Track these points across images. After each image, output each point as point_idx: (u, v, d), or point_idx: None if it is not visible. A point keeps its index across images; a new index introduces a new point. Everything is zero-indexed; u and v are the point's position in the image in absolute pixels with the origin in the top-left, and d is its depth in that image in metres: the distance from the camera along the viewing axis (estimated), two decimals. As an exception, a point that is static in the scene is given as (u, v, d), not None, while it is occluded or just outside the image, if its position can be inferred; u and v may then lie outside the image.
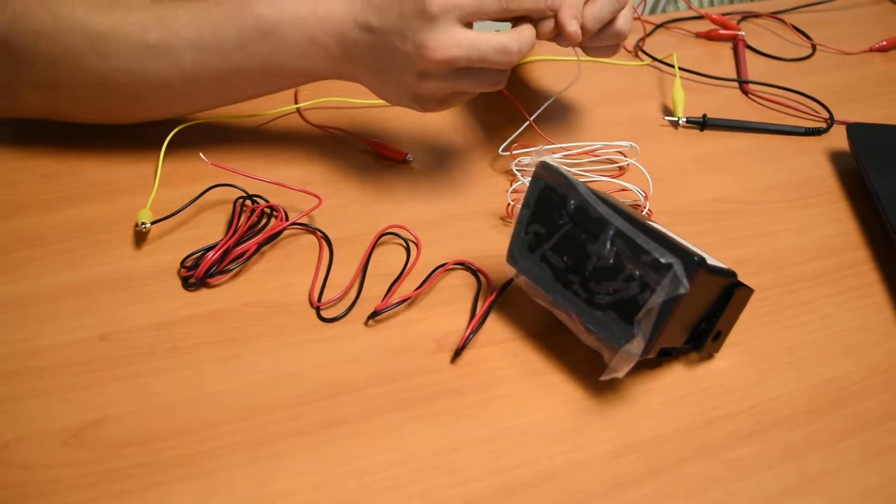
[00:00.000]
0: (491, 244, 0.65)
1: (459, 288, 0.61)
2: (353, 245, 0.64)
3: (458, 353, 0.56)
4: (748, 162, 0.79)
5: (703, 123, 0.83)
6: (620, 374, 0.51)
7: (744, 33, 1.00)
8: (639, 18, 1.01)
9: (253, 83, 0.68)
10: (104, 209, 0.66)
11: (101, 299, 0.58)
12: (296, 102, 0.80)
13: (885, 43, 1.01)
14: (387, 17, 0.61)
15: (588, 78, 0.91)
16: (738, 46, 0.99)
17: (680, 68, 0.91)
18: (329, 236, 0.64)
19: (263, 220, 0.65)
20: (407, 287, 0.60)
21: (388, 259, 0.63)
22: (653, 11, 1.50)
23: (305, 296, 0.60)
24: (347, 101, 0.81)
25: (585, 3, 0.64)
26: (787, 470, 0.51)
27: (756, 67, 0.96)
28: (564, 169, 0.55)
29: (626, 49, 0.98)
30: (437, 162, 0.75)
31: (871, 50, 1.01)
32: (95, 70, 0.65)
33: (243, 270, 0.61)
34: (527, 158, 0.69)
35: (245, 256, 0.61)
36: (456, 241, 0.66)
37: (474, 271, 0.62)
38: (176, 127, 0.71)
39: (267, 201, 0.65)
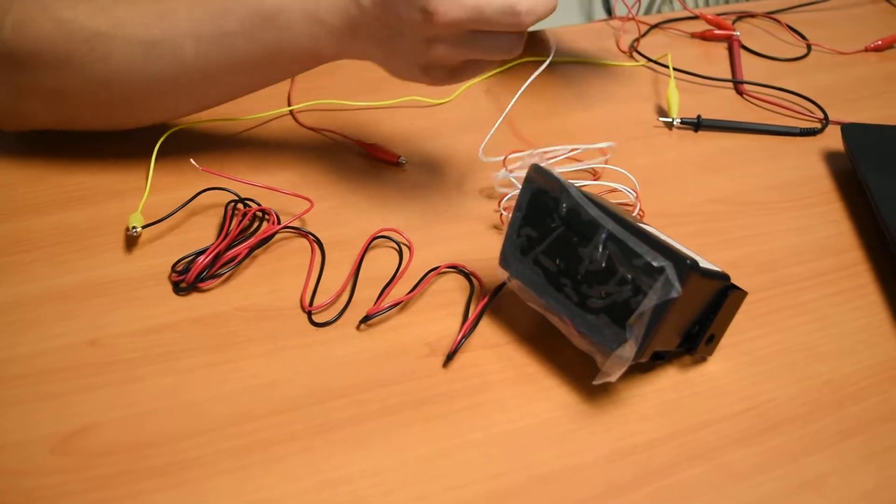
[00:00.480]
0: (484, 247, 0.65)
1: (452, 291, 0.61)
2: (345, 248, 0.63)
3: (450, 357, 0.55)
4: (743, 163, 0.78)
5: (698, 124, 0.82)
6: (613, 379, 0.50)
7: (739, 33, 1.00)
8: (633, 19, 1.01)
9: (258, 71, 0.67)
10: (94, 213, 0.65)
11: (90, 304, 0.58)
12: (289, 104, 0.80)
13: (880, 42, 1.00)
14: None
15: (582, 79, 0.91)
16: (732, 47, 0.98)
17: (675, 69, 0.90)
18: (321, 240, 0.64)
19: (255, 224, 0.64)
20: (399, 290, 0.60)
21: (381, 262, 0.63)
22: (647, 12, 1.49)
23: (297, 300, 0.59)
24: (341, 104, 0.80)
25: None
26: (784, 473, 0.51)
27: (751, 68, 0.95)
28: (556, 172, 0.55)
29: (621, 50, 0.98)
30: (430, 164, 0.74)
31: (866, 50, 1.01)
32: (99, 73, 0.64)
33: (234, 275, 0.61)
34: (502, 172, 0.68)
35: (236, 261, 0.61)
36: (449, 244, 0.65)
37: (467, 274, 0.62)
38: (168, 129, 0.71)
39: (259, 205, 0.65)
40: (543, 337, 0.57)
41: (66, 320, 0.56)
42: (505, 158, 0.70)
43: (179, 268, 0.60)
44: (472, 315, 0.58)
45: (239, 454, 0.49)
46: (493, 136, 0.70)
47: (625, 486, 0.49)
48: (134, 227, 0.62)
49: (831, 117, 0.85)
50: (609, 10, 1.35)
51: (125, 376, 0.53)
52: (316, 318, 0.58)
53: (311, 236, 0.64)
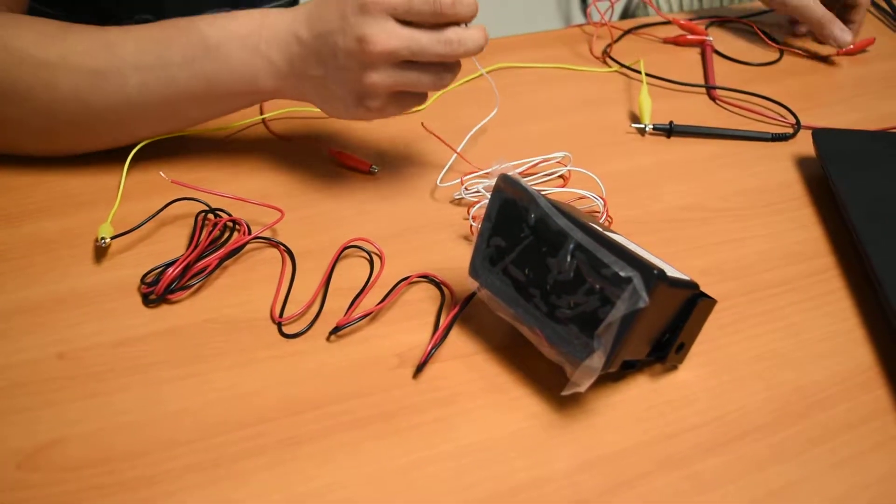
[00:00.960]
0: (456, 256, 0.65)
1: (423, 301, 0.61)
2: (316, 258, 0.63)
3: (419, 368, 0.55)
4: (714, 168, 0.79)
5: (670, 130, 0.83)
6: (582, 389, 0.50)
7: (711, 38, 1.00)
8: (606, 24, 1.01)
9: (200, 105, 0.68)
10: (64, 223, 0.65)
11: (59, 317, 0.57)
12: (261, 113, 0.79)
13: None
14: (329, 20, 0.62)
15: (555, 86, 0.91)
16: (705, 52, 0.99)
17: (647, 74, 0.90)
18: (292, 249, 0.63)
19: (226, 234, 0.64)
20: (371, 300, 0.60)
21: (352, 272, 0.63)
22: (624, 17, 1.50)
23: (267, 311, 0.59)
24: (313, 112, 0.80)
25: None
26: (753, 482, 0.51)
27: (724, 73, 0.96)
28: (524, 181, 0.55)
29: (593, 55, 0.98)
30: (402, 173, 0.74)
31: (838, 54, 1.01)
32: (44, 101, 0.64)
33: (205, 286, 0.61)
34: (469, 188, 0.69)
35: (206, 272, 0.60)
36: (420, 253, 0.65)
37: (438, 284, 0.62)
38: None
39: (229, 215, 0.65)
40: (513, 347, 0.57)
41: (34, 333, 0.56)
42: (462, 181, 0.71)
43: (149, 279, 0.60)
44: (442, 325, 0.58)
45: (208, 468, 0.49)
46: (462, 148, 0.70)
47: (594, 496, 0.49)
48: (103, 238, 0.61)
49: (803, 122, 0.85)
50: (586, 15, 1.35)
51: (93, 390, 0.53)
52: (286, 330, 0.58)
53: (281, 246, 0.64)
